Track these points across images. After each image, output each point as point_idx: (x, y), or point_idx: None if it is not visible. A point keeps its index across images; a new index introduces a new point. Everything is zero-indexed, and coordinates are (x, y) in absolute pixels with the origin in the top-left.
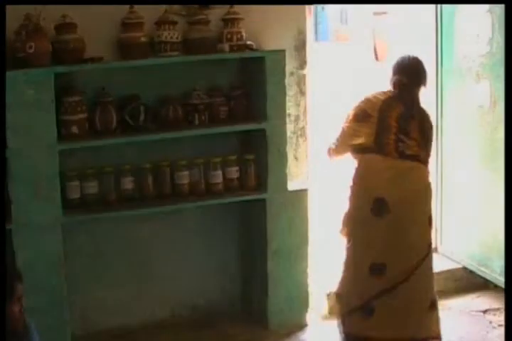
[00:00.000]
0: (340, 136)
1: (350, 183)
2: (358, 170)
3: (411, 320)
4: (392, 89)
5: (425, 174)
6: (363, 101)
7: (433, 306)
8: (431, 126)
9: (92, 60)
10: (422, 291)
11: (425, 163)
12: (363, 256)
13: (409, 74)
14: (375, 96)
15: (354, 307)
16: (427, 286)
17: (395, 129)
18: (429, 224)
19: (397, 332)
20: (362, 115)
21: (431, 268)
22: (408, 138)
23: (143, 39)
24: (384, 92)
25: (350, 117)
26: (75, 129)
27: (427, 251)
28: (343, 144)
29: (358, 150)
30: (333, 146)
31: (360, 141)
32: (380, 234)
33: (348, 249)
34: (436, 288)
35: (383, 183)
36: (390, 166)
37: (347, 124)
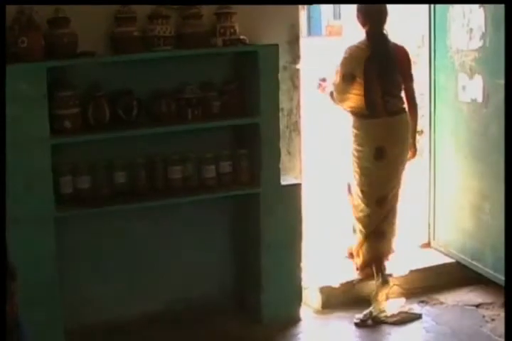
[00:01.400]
0: (334, 90)
1: (353, 141)
2: (358, 129)
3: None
4: (364, 39)
5: (408, 121)
6: (347, 61)
7: None
8: (409, 61)
9: (85, 54)
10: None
11: (412, 107)
12: (371, 192)
13: (374, 14)
14: (356, 57)
15: (368, 232)
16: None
17: (380, 91)
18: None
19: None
20: (349, 76)
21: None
22: (393, 97)
23: (136, 33)
24: (359, 48)
25: (339, 77)
26: (67, 124)
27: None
28: (337, 98)
29: (352, 114)
30: (334, 93)
31: (352, 104)
32: (380, 173)
33: (358, 190)
34: (429, 283)
35: (381, 136)
36: (383, 123)
37: (337, 83)
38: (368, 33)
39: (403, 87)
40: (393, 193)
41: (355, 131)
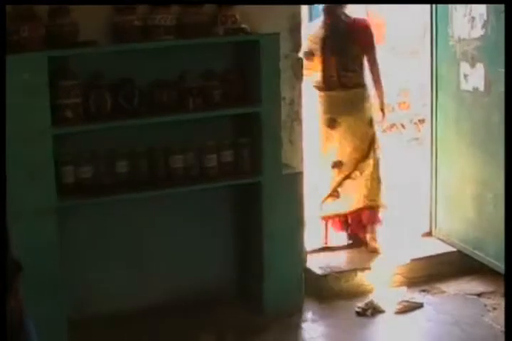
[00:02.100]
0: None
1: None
2: (318, 101)
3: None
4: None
5: (363, 94)
6: (307, 39)
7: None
8: (368, 33)
9: (86, 43)
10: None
11: (374, 78)
12: (325, 157)
13: None
14: (314, 35)
15: (326, 196)
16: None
17: (336, 66)
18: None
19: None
20: (309, 53)
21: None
22: (349, 72)
23: (136, 23)
24: (318, 26)
25: (302, 54)
26: (69, 113)
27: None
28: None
29: (315, 88)
30: None
31: (313, 78)
32: (334, 140)
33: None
34: (430, 272)
35: (333, 108)
36: (336, 96)
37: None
38: (324, 11)
39: (367, 59)
40: (351, 159)
41: (318, 102)
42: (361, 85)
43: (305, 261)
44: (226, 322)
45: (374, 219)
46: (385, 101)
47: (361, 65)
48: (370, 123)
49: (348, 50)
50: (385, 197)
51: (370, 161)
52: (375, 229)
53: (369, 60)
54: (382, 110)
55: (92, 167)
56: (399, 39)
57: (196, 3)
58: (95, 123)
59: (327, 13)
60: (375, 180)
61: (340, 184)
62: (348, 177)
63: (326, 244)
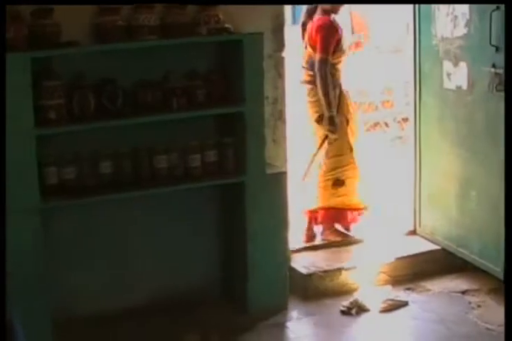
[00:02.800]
0: None
1: None
2: None
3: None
4: None
5: (309, 90)
6: None
7: None
8: (317, 33)
9: (69, 44)
10: None
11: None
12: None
13: None
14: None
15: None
16: None
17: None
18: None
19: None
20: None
21: None
22: (307, 69)
23: (120, 23)
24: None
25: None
26: (52, 114)
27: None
28: None
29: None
30: None
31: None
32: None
33: None
34: (415, 270)
35: None
36: None
37: None
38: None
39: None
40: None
41: None
42: (308, 82)
43: (289, 260)
44: (211, 322)
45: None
46: (329, 99)
47: (312, 64)
48: (319, 119)
49: (309, 49)
50: (366, 196)
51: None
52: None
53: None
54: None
55: (75, 168)
56: (382, 38)
57: (199, 3)
58: (79, 124)
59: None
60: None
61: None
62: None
63: (307, 240)
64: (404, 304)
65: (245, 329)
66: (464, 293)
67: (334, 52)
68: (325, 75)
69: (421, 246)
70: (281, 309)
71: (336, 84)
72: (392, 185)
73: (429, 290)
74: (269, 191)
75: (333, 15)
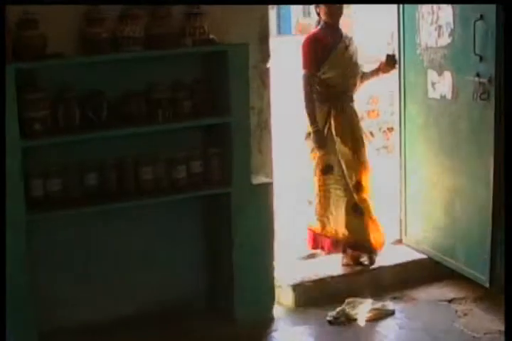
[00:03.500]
0: None
1: None
2: None
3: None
4: None
5: None
6: None
7: None
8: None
9: (54, 56)
10: None
11: None
12: None
13: None
14: None
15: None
16: None
17: None
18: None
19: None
20: None
21: None
22: None
23: (105, 35)
24: None
25: None
26: (37, 126)
27: None
28: None
29: None
30: None
31: None
32: None
33: None
34: (401, 279)
35: None
36: None
37: None
38: None
39: None
40: None
41: None
42: None
43: (275, 270)
44: (197, 333)
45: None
46: (313, 115)
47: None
48: (307, 136)
49: None
50: None
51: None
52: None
53: None
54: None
55: (61, 179)
56: (366, 47)
57: (198, 3)
58: (64, 135)
59: None
60: None
61: None
62: None
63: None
64: (390, 313)
65: (231, 339)
66: (450, 301)
67: (321, 66)
68: (307, 91)
69: (407, 255)
70: (269, 319)
71: (326, 100)
72: (378, 194)
73: (415, 299)
74: (255, 201)
75: (323, 27)
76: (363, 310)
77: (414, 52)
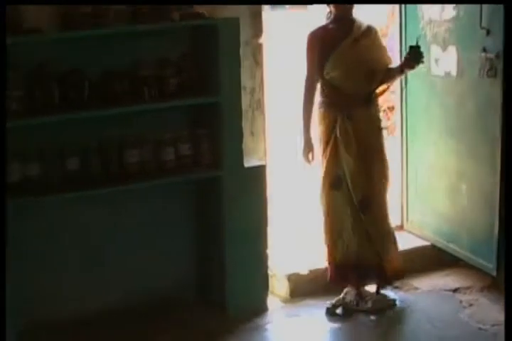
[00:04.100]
0: None
1: None
2: None
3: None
4: None
5: None
6: None
7: None
8: None
9: (31, 31)
10: None
11: None
12: None
13: None
14: None
15: None
16: None
17: None
18: None
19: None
20: None
21: None
22: None
23: (86, 9)
24: None
25: None
26: (14, 106)
27: None
28: None
29: None
30: None
31: None
32: None
33: None
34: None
35: None
36: None
37: None
38: None
39: None
40: None
41: None
42: None
43: (269, 259)
44: (187, 325)
45: None
46: (304, 120)
47: None
48: None
49: None
50: None
51: None
52: None
53: None
54: None
55: (39, 164)
56: (367, 20)
57: (198, 3)
58: (42, 116)
59: None
60: None
61: None
62: None
63: None
64: (391, 303)
65: (223, 332)
66: (454, 291)
67: (326, 64)
68: (305, 95)
69: (409, 241)
70: (262, 310)
71: (332, 104)
72: None
73: (417, 288)
74: (248, 186)
75: (332, 20)
76: (362, 300)
77: (417, 26)
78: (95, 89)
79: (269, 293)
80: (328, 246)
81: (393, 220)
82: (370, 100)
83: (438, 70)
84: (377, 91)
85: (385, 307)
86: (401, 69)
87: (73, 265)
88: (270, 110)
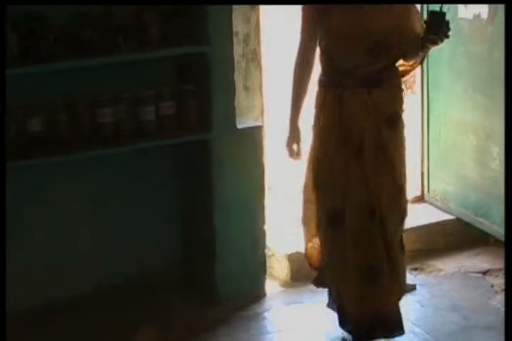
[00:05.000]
0: None
1: None
2: None
3: None
4: None
5: None
6: None
7: None
8: None
9: None
10: None
11: None
12: None
13: None
14: None
15: None
16: None
17: None
18: None
19: None
20: None
21: None
22: None
23: None
24: None
25: None
26: None
27: None
28: None
29: None
30: None
31: None
32: None
33: None
34: (423, 246)
35: None
36: None
37: None
38: None
39: None
40: None
41: None
42: None
43: (266, 236)
44: (172, 315)
45: None
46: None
47: None
48: None
49: None
50: None
51: None
52: None
53: None
54: None
55: None
56: None
57: (197, 3)
58: None
59: None
60: None
61: None
62: None
63: None
64: (410, 288)
65: (215, 322)
66: (484, 273)
67: (316, 29)
68: (295, 64)
69: (430, 215)
70: (259, 296)
71: (332, 84)
72: None
73: (440, 270)
74: (242, 150)
75: None
76: None
77: None
78: (62, 38)
79: (267, 276)
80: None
81: (411, 191)
82: (378, 82)
83: (466, 12)
84: (395, 71)
85: (402, 293)
86: (421, 44)
87: (39, 245)
88: (267, 61)
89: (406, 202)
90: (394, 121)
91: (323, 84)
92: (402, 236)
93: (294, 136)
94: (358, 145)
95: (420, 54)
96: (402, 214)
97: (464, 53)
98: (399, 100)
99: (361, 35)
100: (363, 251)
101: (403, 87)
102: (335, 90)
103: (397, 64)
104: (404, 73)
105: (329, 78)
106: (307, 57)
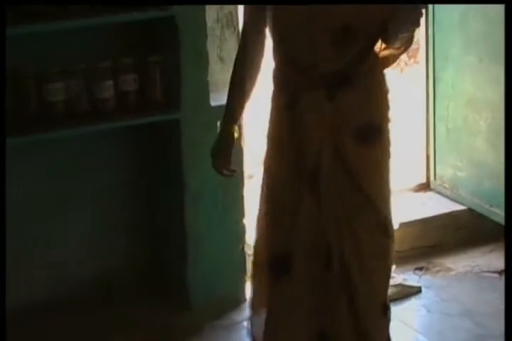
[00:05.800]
0: None
1: None
2: None
3: None
4: None
5: None
6: None
7: None
8: None
9: None
10: None
11: None
12: None
13: None
14: None
15: None
16: None
17: None
18: None
19: None
20: None
21: None
22: None
23: None
24: None
25: None
26: None
27: None
28: None
29: None
30: None
31: None
32: None
33: None
34: (429, 241)
35: None
36: None
37: None
38: None
39: None
40: None
41: None
42: None
43: (246, 232)
44: (137, 323)
45: None
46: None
47: None
48: None
49: None
50: None
51: None
52: None
53: None
54: None
55: None
56: None
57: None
58: None
59: None
60: None
61: None
62: None
63: None
64: (415, 291)
65: (186, 331)
66: (500, 273)
67: (264, 10)
68: (234, 65)
69: (437, 205)
70: (237, 302)
71: (284, 84)
72: (396, 118)
73: (450, 269)
74: (216, 132)
75: None
76: None
77: None
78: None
79: (247, 278)
80: None
81: (415, 177)
82: (345, 81)
83: None
84: (371, 64)
85: (405, 296)
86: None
87: None
88: None
89: (391, 247)
90: (369, 136)
91: (274, 84)
92: (386, 295)
93: (226, 144)
94: (313, 168)
95: (402, 35)
96: (386, 265)
97: (478, 15)
98: (378, 105)
99: (326, 19)
100: (311, 312)
101: (386, 84)
102: (286, 92)
103: (377, 48)
104: (389, 60)
105: (282, 77)
106: (252, 51)
